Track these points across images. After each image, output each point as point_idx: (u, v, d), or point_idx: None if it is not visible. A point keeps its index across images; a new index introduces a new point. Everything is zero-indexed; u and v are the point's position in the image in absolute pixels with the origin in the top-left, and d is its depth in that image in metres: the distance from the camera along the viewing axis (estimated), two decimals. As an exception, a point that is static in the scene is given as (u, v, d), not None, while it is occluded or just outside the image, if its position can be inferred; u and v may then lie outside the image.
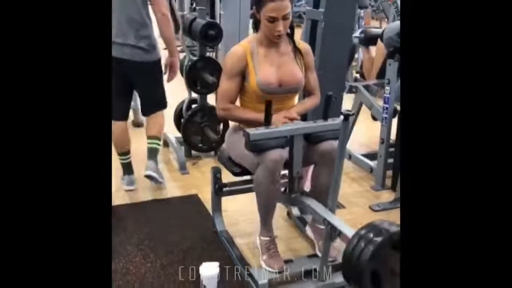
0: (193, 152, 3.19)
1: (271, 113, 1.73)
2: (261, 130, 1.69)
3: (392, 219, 2.44)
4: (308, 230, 2.13)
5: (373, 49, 3.57)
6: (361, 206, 2.60)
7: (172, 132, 3.33)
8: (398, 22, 3.40)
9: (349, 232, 1.51)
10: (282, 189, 1.95)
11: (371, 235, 1.27)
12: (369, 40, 3.56)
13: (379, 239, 1.25)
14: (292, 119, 1.84)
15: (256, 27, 1.90)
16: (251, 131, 1.68)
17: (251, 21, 4.32)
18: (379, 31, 3.42)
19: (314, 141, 1.82)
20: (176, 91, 3.78)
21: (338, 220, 1.65)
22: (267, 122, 1.72)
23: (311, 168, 1.98)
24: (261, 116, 1.77)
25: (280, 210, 2.26)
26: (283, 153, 1.74)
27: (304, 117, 2.04)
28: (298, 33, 3.44)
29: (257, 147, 1.70)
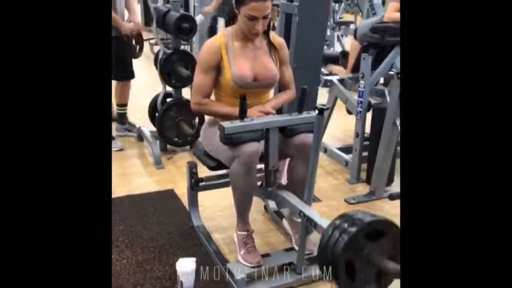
0: (169, 146, 3.16)
1: (246, 107, 1.72)
2: (236, 123, 1.69)
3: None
4: (285, 223, 2.14)
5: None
6: (337, 199, 2.63)
7: (146, 126, 3.29)
8: (371, 19, 3.44)
9: (325, 223, 1.52)
10: (259, 183, 1.95)
11: (346, 225, 1.28)
12: (328, 60, 3.58)
13: (353, 229, 1.26)
14: (267, 113, 1.84)
15: (232, 20, 1.88)
16: (226, 124, 1.67)
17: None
18: (337, 52, 3.52)
19: (289, 134, 1.82)
20: (150, 84, 3.73)
21: (314, 212, 1.66)
22: (242, 116, 1.71)
23: (287, 162, 1.99)
24: (236, 110, 1.75)
25: (256, 204, 2.26)
26: (259, 146, 1.74)
27: (279, 111, 2.04)
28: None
29: (232, 141, 1.69)
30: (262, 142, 1.77)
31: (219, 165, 1.93)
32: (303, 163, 1.83)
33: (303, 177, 1.79)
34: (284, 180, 2.03)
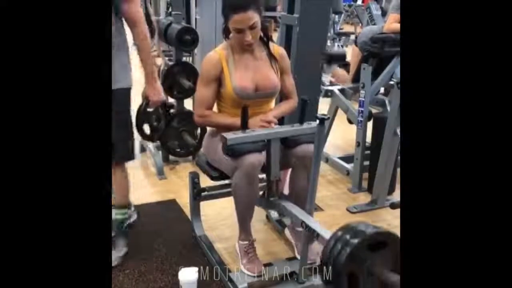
0: (171, 157, 3.18)
1: (248, 117, 1.74)
2: (238, 134, 1.70)
3: (369, 220, 2.49)
4: (287, 233, 2.15)
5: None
6: (339, 208, 2.63)
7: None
8: (371, 27, 3.48)
9: (327, 234, 1.52)
10: (261, 193, 1.96)
11: (348, 236, 1.29)
12: (333, 59, 3.10)
13: (355, 240, 1.26)
14: (269, 123, 1.85)
15: (226, 35, 1.90)
16: (228, 135, 1.69)
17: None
18: (344, 51, 3.06)
19: (291, 144, 1.84)
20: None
21: (315, 222, 1.67)
22: (244, 126, 1.73)
23: (289, 171, 2.00)
24: (238, 121, 1.77)
25: (258, 213, 2.27)
26: (260, 157, 1.75)
27: (281, 121, 2.06)
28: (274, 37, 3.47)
29: (234, 151, 1.71)
30: (264, 152, 1.79)
31: (221, 175, 1.94)
32: (305, 173, 1.84)
33: (304, 187, 1.80)
34: (286, 190, 2.04)
